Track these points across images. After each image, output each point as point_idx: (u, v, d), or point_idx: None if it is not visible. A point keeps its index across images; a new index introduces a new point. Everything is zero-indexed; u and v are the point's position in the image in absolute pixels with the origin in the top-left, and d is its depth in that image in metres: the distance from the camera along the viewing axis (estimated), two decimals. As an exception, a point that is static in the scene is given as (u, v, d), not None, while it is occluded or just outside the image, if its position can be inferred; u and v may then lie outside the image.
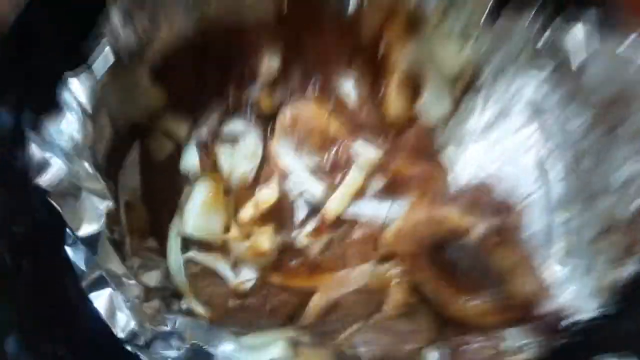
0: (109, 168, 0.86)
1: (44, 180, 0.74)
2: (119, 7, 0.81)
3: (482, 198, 0.84)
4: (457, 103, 1.07)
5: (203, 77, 0.97)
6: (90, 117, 0.77)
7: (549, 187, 0.88)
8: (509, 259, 0.83)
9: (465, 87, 1.08)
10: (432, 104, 1.05)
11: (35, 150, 0.74)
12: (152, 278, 0.91)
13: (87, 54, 0.80)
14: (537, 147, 0.92)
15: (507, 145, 1.00)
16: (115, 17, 0.81)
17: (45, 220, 0.80)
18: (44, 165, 0.74)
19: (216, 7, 0.95)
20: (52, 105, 0.78)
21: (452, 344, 0.92)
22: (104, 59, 0.79)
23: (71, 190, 0.75)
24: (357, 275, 0.89)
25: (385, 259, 0.92)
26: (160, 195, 0.94)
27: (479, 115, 1.07)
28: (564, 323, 0.81)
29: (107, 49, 0.79)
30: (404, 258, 0.89)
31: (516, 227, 0.83)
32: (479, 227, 0.83)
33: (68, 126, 0.75)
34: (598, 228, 0.83)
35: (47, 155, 0.75)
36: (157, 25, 0.89)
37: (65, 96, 0.77)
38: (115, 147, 0.90)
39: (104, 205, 0.76)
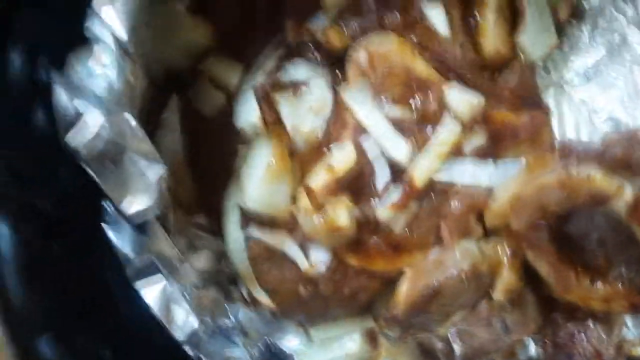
0: (144, 127, 0.68)
1: (75, 138, 0.56)
2: None
3: (632, 153, 0.64)
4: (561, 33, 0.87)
5: (253, 6, 0.78)
6: (129, 54, 0.57)
7: None
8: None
9: (571, 12, 0.87)
10: (536, 34, 0.84)
11: (62, 99, 0.56)
12: (202, 261, 0.76)
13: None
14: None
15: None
16: None
17: (76, 192, 0.63)
18: (74, 118, 0.56)
19: None
20: (76, 42, 0.59)
21: (562, 334, 0.77)
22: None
23: (111, 151, 0.57)
24: (459, 256, 0.71)
25: (490, 233, 0.74)
26: (210, 159, 0.77)
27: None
28: None
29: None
30: (517, 232, 0.71)
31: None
32: (627, 191, 0.64)
33: (102, 67, 0.56)
34: None
35: (79, 103, 0.56)
36: None
37: (96, 28, 0.57)
38: (151, 100, 0.72)
39: (155, 171, 0.59)
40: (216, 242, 0.80)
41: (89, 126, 0.56)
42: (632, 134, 0.67)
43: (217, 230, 0.79)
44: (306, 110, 0.76)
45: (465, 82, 0.77)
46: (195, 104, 0.77)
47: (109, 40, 0.57)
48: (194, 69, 0.77)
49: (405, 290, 0.72)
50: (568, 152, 0.67)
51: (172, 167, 0.74)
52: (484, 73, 0.82)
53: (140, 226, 0.60)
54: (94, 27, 0.58)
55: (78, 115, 0.56)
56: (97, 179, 0.57)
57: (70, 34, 0.62)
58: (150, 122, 0.73)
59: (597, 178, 0.64)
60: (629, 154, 0.65)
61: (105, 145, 0.57)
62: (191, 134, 0.77)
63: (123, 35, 0.57)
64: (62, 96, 0.56)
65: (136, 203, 0.59)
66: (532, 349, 0.83)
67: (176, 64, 0.76)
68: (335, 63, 0.77)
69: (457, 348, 0.77)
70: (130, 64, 0.60)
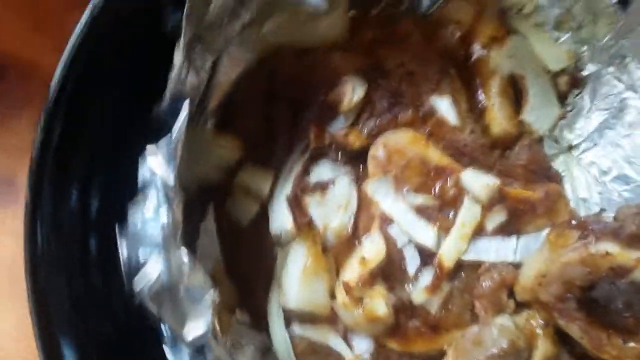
0: (185, 238, 0.74)
1: (140, 283, 0.61)
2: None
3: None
4: (563, 103, 0.93)
5: (276, 118, 0.84)
6: (175, 192, 0.64)
7: None
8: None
9: (571, 82, 0.92)
10: (540, 109, 0.90)
11: (125, 250, 0.62)
12: (248, 356, 0.79)
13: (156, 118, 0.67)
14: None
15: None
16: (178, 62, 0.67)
17: (134, 317, 0.68)
18: (139, 266, 0.62)
19: (273, 29, 0.82)
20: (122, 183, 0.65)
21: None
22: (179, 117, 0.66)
23: (170, 287, 0.62)
24: (496, 333, 0.75)
25: (522, 306, 0.78)
26: (249, 264, 0.82)
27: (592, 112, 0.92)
28: None
29: (185, 104, 0.65)
30: (546, 304, 0.75)
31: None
32: (648, 266, 0.68)
33: (154, 211, 0.62)
34: None
35: (141, 251, 0.62)
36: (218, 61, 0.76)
37: (146, 176, 0.64)
38: (189, 213, 0.77)
39: (208, 297, 0.64)
40: (260, 337, 0.84)
41: (151, 272, 0.61)
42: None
43: (260, 326, 0.83)
44: (334, 207, 0.81)
45: (479, 164, 0.83)
46: (230, 213, 0.82)
47: (159, 184, 0.63)
48: (227, 181, 0.83)
49: (447, 371, 0.75)
50: (586, 230, 0.71)
51: (213, 272, 0.79)
52: (494, 152, 0.88)
53: (200, 350, 0.65)
54: (145, 175, 0.64)
55: (141, 264, 0.62)
56: (159, 314, 0.62)
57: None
58: (190, 233, 0.78)
59: (616, 253, 0.68)
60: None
61: (165, 283, 0.62)
62: (229, 242, 0.81)
63: (170, 181, 0.63)
64: (125, 248, 0.62)
65: (194, 330, 0.63)
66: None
67: (210, 178, 0.81)
68: (356, 160, 0.83)
69: None
70: (176, 199, 0.66)
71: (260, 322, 0.83)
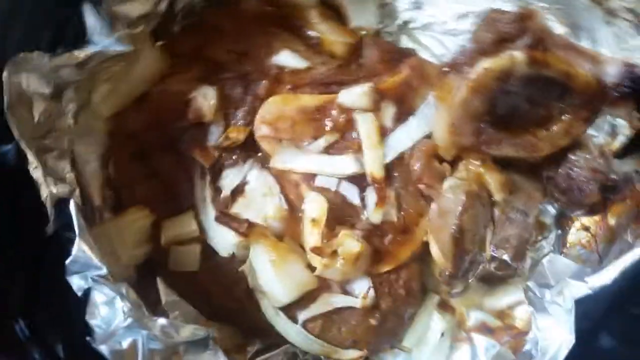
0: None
1: None
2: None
3: (498, 30, 0.74)
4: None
5: (159, 168, 0.86)
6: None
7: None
8: (559, 59, 0.76)
9: None
10: (360, 11, 0.98)
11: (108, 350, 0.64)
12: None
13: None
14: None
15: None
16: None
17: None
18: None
19: (101, 99, 0.84)
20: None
21: (560, 180, 0.85)
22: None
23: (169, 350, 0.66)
24: (452, 195, 0.79)
25: (456, 161, 0.83)
26: (226, 296, 0.82)
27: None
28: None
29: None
30: (471, 146, 0.80)
31: (544, 30, 0.75)
32: (517, 54, 0.74)
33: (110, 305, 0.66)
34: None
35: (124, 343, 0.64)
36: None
37: (79, 283, 0.66)
38: (142, 291, 0.76)
39: (208, 337, 0.69)
40: (285, 348, 0.85)
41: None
42: (486, 17, 0.77)
43: (275, 341, 0.83)
44: (260, 199, 0.83)
45: (346, 83, 0.87)
46: (177, 270, 0.82)
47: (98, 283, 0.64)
48: (156, 248, 0.83)
49: (438, 251, 0.78)
50: (457, 67, 0.76)
51: (206, 326, 0.78)
52: (351, 66, 0.93)
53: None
54: (80, 283, 0.65)
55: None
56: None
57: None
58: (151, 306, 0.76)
59: (491, 64, 0.74)
60: (496, 31, 0.75)
61: (162, 349, 0.64)
62: (201, 295, 0.81)
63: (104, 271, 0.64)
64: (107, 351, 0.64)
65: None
66: (552, 209, 0.92)
67: (138, 256, 0.82)
68: (251, 149, 0.85)
69: (506, 256, 0.83)
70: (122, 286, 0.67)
71: (273, 338, 0.83)
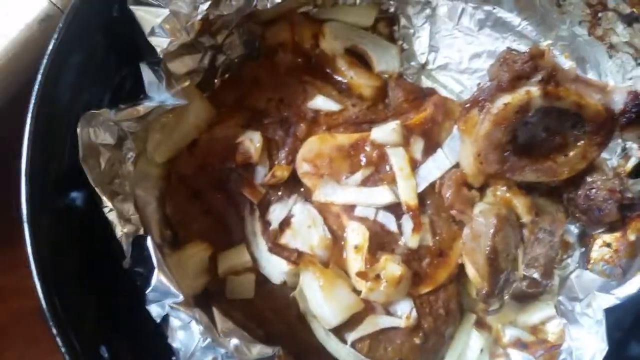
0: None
1: None
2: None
3: (513, 68, 0.83)
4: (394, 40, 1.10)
5: (213, 207, 0.94)
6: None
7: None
8: (570, 91, 0.84)
9: (387, 23, 1.11)
10: (383, 57, 1.06)
11: None
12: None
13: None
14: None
15: None
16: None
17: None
18: None
19: (156, 148, 0.93)
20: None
21: (581, 201, 0.92)
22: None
23: None
24: (483, 219, 0.86)
25: (484, 188, 0.91)
26: (279, 321, 0.88)
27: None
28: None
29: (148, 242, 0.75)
30: (496, 173, 0.88)
31: (554, 66, 0.84)
32: (532, 89, 0.82)
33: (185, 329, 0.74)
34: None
35: None
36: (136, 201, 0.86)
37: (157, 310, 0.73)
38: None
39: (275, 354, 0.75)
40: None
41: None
42: (502, 57, 0.86)
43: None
44: (306, 230, 0.90)
45: (376, 122, 0.96)
46: (233, 296, 0.89)
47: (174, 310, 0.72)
48: (214, 279, 0.90)
49: (474, 271, 0.85)
50: (479, 103, 0.85)
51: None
52: (379, 106, 1.02)
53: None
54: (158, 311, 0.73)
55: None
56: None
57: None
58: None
59: (510, 99, 0.83)
60: (512, 70, 0.84)
61: None
62: (249, 316, 0.88)
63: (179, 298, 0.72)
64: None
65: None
66: (574, 229, 0.99)
67: (197, 287, 0.89)
68: (295, 186, 0.94)
69: (536, 274, 0.89)
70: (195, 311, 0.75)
71: (324, 359, 0.89)
